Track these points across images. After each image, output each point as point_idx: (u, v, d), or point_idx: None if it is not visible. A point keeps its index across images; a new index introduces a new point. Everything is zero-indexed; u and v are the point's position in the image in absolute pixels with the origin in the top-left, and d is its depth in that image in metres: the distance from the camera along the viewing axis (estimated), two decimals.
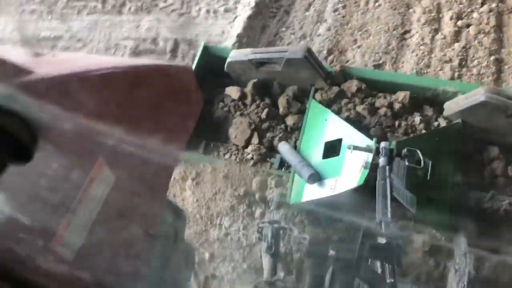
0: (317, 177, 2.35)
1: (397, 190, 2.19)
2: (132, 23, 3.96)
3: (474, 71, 3.25)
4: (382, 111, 2.67)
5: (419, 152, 2.14)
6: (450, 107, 2.52)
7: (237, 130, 2.75)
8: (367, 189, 2.29)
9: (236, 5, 3.93)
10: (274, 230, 2.31)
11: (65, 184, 0.99)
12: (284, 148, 2.53)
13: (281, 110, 2.79)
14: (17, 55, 1.10)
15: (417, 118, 2.63)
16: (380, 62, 3.41)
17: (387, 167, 2.12)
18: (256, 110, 2.80)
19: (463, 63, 3.29)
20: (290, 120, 2.75)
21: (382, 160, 2.15)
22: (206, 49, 2.94)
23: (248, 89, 2.86)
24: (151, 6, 4.03)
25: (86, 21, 4.06)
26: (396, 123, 2.65)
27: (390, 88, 2.73)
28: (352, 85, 2.73)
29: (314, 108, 2.64)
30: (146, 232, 1.38)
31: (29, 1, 4.26)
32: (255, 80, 2.86)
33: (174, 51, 3.76)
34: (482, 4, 3.54)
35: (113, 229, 1.16)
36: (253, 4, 3.82)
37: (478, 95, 2.34)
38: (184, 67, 1.53)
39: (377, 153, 2.17)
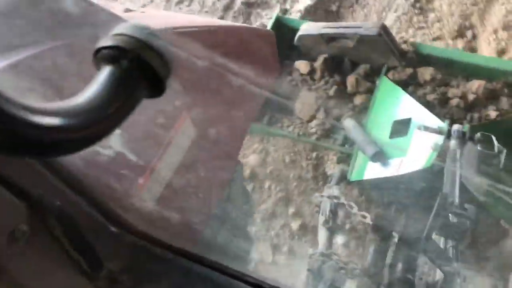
0: (381, 155, 2.29)
1: (465, 178, 2.12)
2: None
3: None
4: (454, 101, 2.56)
5: (493, 137, 2.04)
6: None
7: (303, 104, 2.73)
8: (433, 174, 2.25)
9: None
10: (332, 204, 2.32)
11: (173, 122, 1.04)
12: (349, 124, 2.49)
13: (349, 88, 2.74)
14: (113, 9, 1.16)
15: (492, 112, 2.50)
16: (467, 12, 3.40)
17: (458, 151, 2.05)
18: (325, 86, 2.77)
19: None
20: (358, 99, 2.70)
21: (453, 143, 2.07)
22: (278, 19, 2.91)
23: (318, 64, 2.81)
24: None
25: None
26: (468, 116, 2.53)
27: (468, 70, 2.61)
28: (426, 73, 2.63)
29: (385, 85, 2.57)
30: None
31: None
32: (325, 56, 2.80)
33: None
34: None
35: (207, 168, 1.20)
36: None
37: None
38: (266, 31, 1.54)
39: (448, 136, 2.10)
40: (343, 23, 2.73)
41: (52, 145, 0.47)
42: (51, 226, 0.69)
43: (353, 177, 2.38)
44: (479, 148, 2.08)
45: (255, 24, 3.71)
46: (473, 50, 3.29)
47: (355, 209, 2.43)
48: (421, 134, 2.22)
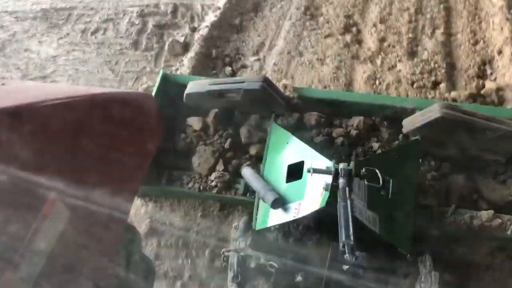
0: (281, 202, 2.32)
1: (358, 211, 2.18)
2: None
3: (428, 16, 4.04)
4: (339, 140, 2.71)
5: (377, 171, 2.14)
6: (408, 124, 2.54)
7: (201, 158, 2.73)
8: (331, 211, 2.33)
9: None
10: (240, 258, 2.28)
11: (5, 237, 0.95)
12: (247, 172, 2.51)
13: (243, 140, 2.80)
14: None
15: (374, 144, 2.68)
16: (350, 13, 4.15)
17: (347, 189, 2.11)
18: (219, 140, 2.80)
19: (418, 10, 4.08)
20: (253, 150, 2.76)
21: (341, 182, 2.14)
22: (165, 77, 2.92)
23: (210, 119, 2.85)
24: None
25: None
26: (354, 151, 2.68)
27: (348, 108, 2.78)
28: (311, 118, 2.76)
29: (276, 131, 2.64)
30: (96, 285, 1.30)
31: None
32: (216, 110, 2.85)
33: (174, 12, 4.51)
34: None
35: (60, 283, 1.10)
36: None
37: (434, 111, 2.38)
38: (144, 94, 1.50)
39: (336, 174, 2.16)
40: (228, 79, 2.79)
41: None
42: None
43: (258, 225, 2.38)
44: (366, 182, 2.18)
45: (168, 41, 4.15)
46: (359, 41, 3.90)
47: (262, 259, 2.44)
48: (313, 176, 2.29)
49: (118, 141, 1.34)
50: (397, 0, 4.21)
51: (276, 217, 2.33)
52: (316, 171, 2.19)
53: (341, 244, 1.95)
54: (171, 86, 2.90)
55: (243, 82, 2.66)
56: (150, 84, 3.70)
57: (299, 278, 2.12)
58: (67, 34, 4.45)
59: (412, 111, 2.62)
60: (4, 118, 0.94)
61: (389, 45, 3.84)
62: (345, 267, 1.91)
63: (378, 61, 3.70)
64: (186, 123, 2.90)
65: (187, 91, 2.76)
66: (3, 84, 1.18)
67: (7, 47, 4.42)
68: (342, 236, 1.97)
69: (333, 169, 2.17)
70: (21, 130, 0.95)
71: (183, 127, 2.90)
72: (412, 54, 3.74)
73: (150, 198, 2.93)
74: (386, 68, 3.65)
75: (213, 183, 2.62)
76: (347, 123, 2.78)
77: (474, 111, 2.44)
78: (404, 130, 2.58)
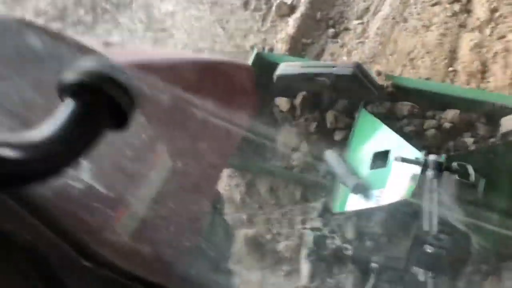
0: (362, 187, 2.30)
1: (445, 207, 2.14)
2: None
3: None
4: (430, 132, 2.61)
5: (470, 167, 2.07)
6: (507, 123, 2.41)
7: (285, 137, 2.76)
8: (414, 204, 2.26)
9: None
10: (315, 237, 2.31)
11: (147, 155, 1.03)
12: (330, 156, 2.51)
13: (328, 124, 2.78)
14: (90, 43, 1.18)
15: (468, 139, 2.54)
16: None
17: (435, 181, 2.04)
18: (305, 123, 2.81)
19: None
20: (338, 135, 2.73)
21: (430, 174, 2.07)
22: (258, 55, 2.98)
23: (298, 102, 2.86)
24: None
25: None
26: (445, 145, 2.57)
27: (444, 101, 2.67)
28: (404, 108, 2.68)
29: (364, 118, 2.62)
30: (212, 205, 1.40)
31: None
32: (304, 93, 2.85)
33: None
34: None
35: (182, 201, 1.19)
36: None
37: None
38: (246, 65, 1.55)
39: (425, 166, 2.10)
40: (320, 62, 2.79)
41: (11, 177, 0.48)
42: (18, 261, 0.68)
43: (336, 209, 2.39)
44: (456, 178, 2.10)
45: (275, 3, 4.06)
46: (468, 11, 3.66)
47: (337, 240, 2.44)
48: (399, 166, 2.25)
49: (219, 108, 1.41)
50: None
51: (355, 203, 2.32)
52: (404, 160, 2.14)
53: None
54: (264, 65, 2.94)
55: (334, 67, 2.65)
56: (257, 41, 3.82)
57: (374, 265, 2.10)
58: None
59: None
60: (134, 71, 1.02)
61: (500, 16, 3.58)
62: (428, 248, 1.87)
63: (487, 30, 3.48)
64: (274, 103, 2.93)
65: (278, 72, 2.78)
66: (122, 46, 1.28)
67: (133, 3, 4.74)
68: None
69: (422, 160, 2.11)
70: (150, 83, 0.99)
71: (271, 106, 2.94)
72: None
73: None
74: (495, 37, 3.43)
75: (295, 162, 2.64)
76: (441, 116, 2.66)
77: None
78: (503, 129, 2.43)
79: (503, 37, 3.45)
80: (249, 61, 2.93)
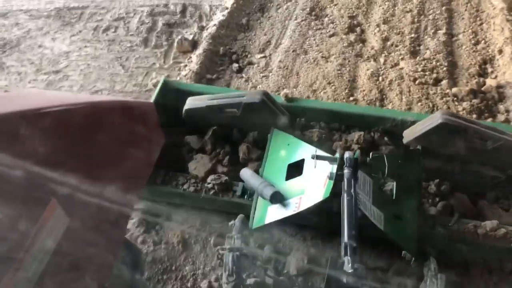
0: (280, 196, 2.31)
1: (363, 205, 2.20)
2: None
3: (430, 17, 4.37)
4: (339, 154, 2.70)
5: (384, 156, 2.17)
6: (409, 134, 2.56)
7: (198, 163, 2.72)
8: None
9: None
10: (235, 257, 2.23)
11: (11, 234, 0.96)
12: (246, 173, 2.50)
13: (241, 157, 2.80)
14: None
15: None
16: (354, 14, 4.48)
17: (351, 179, 2.11)
18: (217, 157, 2.80)
19: (421, 12, 4.42)
20: (251, 167, 2.72)
21: (347, 172, 2.14)
22: (165, 83, 2.95)
23: (208, 137, 2.86)
24: None
25: None
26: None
27: (348, 120, 2.82)
28: (313, 135, 2.79)
29: (276, 135, 2.67)
30: (100, 285, 1.31)
31: None
32: (214, 128, 2.87)
33: (183, 12, 4.84)
34: None
35: (64, 282, 1.10)
36: None
37: (435, 118, 2.41)
38: (145, 102, 1.55)
39: (341, 164, 2.18)
40: (228, 93, 2.81)
41: None
42: None
43: (255, 224, 2.34)
44: (373, 174, 2.22)
45: (177, 39, 4.35)
46: (363, 41, 4.13)
47: (259, 262, 2.38)
48: (315, 168, 2.31)
49: (118, 149, 1.38)
50: (400, 2, 4.56)
51: (274, 214, 2.31)
52: (320, 157, 2.20)
53: (342, 246, 1.91)
54: (171, 93, 2.94)
55: (243, 96, 2.70)
56: (159, 79, 3.79)
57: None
58: (80, 31, 4.73)
59: (412, 124, 2.64)
60: (10, 122, 0.99)
61: (392, 44, 4.08)
62: (344, 278, 1.86)
63: (381, 59, 3.90)
64: (185, 141, 2.90)
65: (186, 106, 2.79)
66: (5, 91, 1.21)
67: (22, 43, 4.64)
68: (344, 236, 1.93)
69: (338, 156, 2.19)
70: (24, 135, 1.01)
71: (181, 139, 2.91)
72: (414, 53, 3.99)
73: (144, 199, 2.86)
74: (389, 65, 3.84)
75: (210, 185, 2.59)
76: (347, 138, 2.82)
77: (476, 120, 2.48)
78: (405, 140, 2.58)
79: (396, 64, 3.85)
80: (156, 89, 2.91)
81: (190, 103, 2.79)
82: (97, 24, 4.79)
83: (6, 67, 4.32)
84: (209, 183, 2.60)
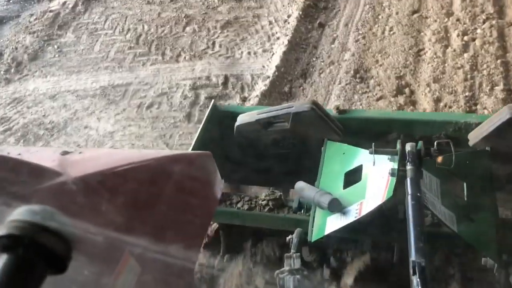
0: (339, 203, 2.25)
1: (431, 205, 2.10)
2: (188, 68, 5.35)
3: (485, 72, 4.20)
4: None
5: (451, 144, 2.07)
6: (475, 135, 2.47)
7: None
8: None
9: (272, 46, 5.39)
10: (296, 281, 2.11)
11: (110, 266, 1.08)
12: (300, 185, 2.47)
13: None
14: (46, 155, 1.30)
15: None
16: (401, 74, 4.39)
17: (417, 180, 2.00)
18: None
19: (474, 67, 4.24)
20: None
21: (410, 169, 2.04)
22: (214, 107, 3.07)
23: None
24: (202, 54, 5.51)
25: (150, 70, 5.45)
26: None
27: (407, 128, 2.78)
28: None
29: (330, 146, 2.67)
30: None
31: (103, 60, 5.75)
32: None
33: (225, 83, 5.00)
34: (484, 22, 4.65)
35: None
36: (286, 42, 5.26)
37: (503, 113, 2.31)
38: (203, 153, 1.68)
39: (403, 158, 2.12)
40: (276, 106, 2.88)
41: None
42: None
43: (314, 236, 2.27)
44: (437, 164, 2.13)
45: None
46: (413, 103, 4.03)
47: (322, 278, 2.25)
48: (375, 170, 2.26)
49: (184, 199, 1.53)
50: (450, 58, 4.44)
51: (334, 223, 2.24)
52: (378, 152, 2.16)
53: (410, 265, 1.73)
54: (221, 117, 3.05)
55: (291, 107, 2.74)
56: None
57: None
58: (124, 109, 4.93)
59: (477, 126, 2.55)
60: (85, 185, 1.13)
61: (445, 105, 3.94)
62: None
63: None
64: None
65: (237, 123, 2.86)
66: (80, 153, 1.40)
67: (68, 126, 4.90)
68: (412, 251, 1.76)
69: (399, 148, 2.14)
70: (98, 196, 1.15)
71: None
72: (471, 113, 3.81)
73: None
74: None
75: (264, 202, 2.57)
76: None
77: None
78: (471, 142, 2.50)
79: None
80: (207, 113, 3.05)
81: (241, 119, 2.85)
82: (140, 101, 5.00)
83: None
84: (263, 200, 2.58)
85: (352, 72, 4.58)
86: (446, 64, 4.38)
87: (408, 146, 2.12)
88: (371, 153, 2.18)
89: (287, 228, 2.45)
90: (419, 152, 2.11)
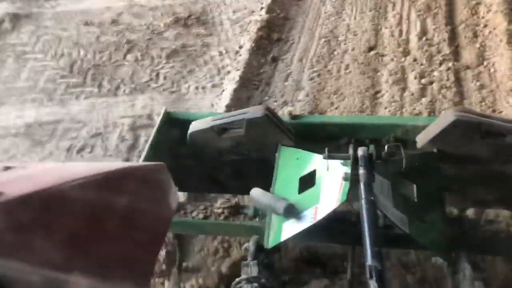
0: (294, 208, 2.28)
1: (384, 207, 2.18)
2: (128, 103, 4.84)
3: None
4: None
5: (400, 146, 2.17)
6: (422, 138, 2.57)
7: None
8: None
9: (222, 81, 5.02)
10: None
11: None
12: (256, 192, 2.49)
13: None
14: None
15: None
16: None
17: (369, 184, 2.08)
18: None
19: (431, 114, 4.09)
20: None
21: (362, 173, 2.11)
22: (167, 115, 3.06)
23: None
24: (144, 87, 5.02)
25: (84, 104, 4.88)
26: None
27: (358, 132, 2.86)
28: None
29: (284, 152, 2.71)
30: None
31: (30, 91, 5.11)
32: None
33: None
34: (440, 63, 4.62)
35: None
36: (237, 78, 4.90)
37: (448, 116, 2.43)
38: (157, 165, 1.65)
39: (355, 163, 2.18)
40: (231, 112, 2.89)
41: None
42: None
43: (271, 242, 2.29)
44: (390, 167, 2.21)
45: None
46: None
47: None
48: (329, 175, 2.32)
49: (136, 213, 1.49)
50: (407, 103, 4.27)
51: (290, 229, 2.27)
52: (332, 157, 2.21)
53: (367, 269, 1.79)
54: (173, 124, 3.04)
55: (245, 113, 2.77)
56: None
57: None
58: (50, 153, 4.34)
59: (424, 128, 2.65)
60: (31, 203, 1.07)
61: None
62: None
63: None
64: None
65: (190, 130, 2.86)
66: (24, 168, 1.34)
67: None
68: (367, 255, 1.82)
69: (351, 154, 2.20)
70: (35, 225, 1.07)
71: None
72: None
73: None
74: None
75: (219, 210, 2.59)
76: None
77: (492, 115, 2.53)
78: (419, 144, 2.59)
79: None
80: (158, 120, 3.03)
81: (194, 126, 2.85)
82: (70, 143, 4.41)
83: None
84: (218, 208, 2.60)
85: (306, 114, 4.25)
86: (404, 110, 4.21)
87: (360, 151, 2.18)
88: (324, 158, 2.23)
89: (243, 235, 2.47)
90: (370, 156, 2.18)
